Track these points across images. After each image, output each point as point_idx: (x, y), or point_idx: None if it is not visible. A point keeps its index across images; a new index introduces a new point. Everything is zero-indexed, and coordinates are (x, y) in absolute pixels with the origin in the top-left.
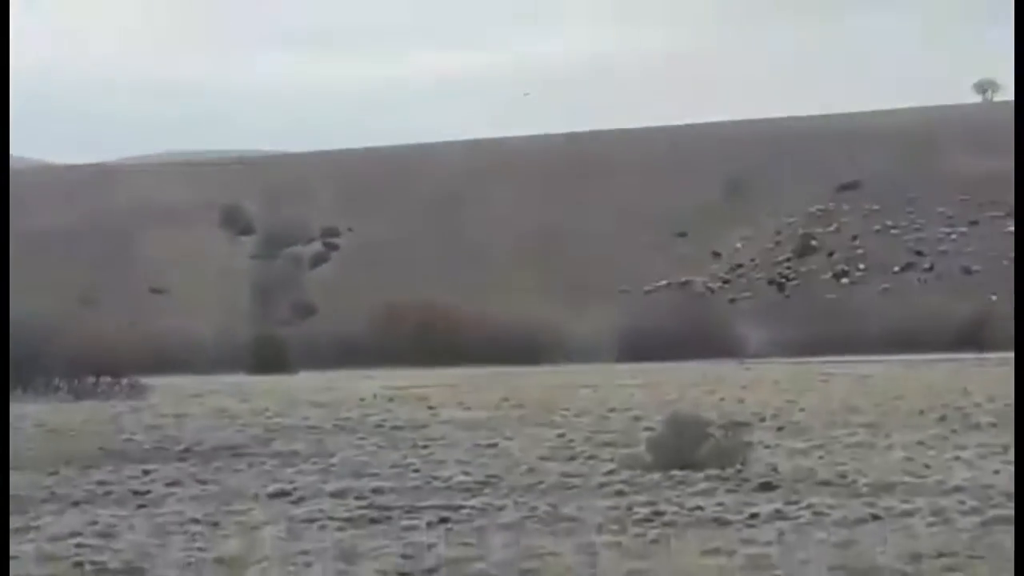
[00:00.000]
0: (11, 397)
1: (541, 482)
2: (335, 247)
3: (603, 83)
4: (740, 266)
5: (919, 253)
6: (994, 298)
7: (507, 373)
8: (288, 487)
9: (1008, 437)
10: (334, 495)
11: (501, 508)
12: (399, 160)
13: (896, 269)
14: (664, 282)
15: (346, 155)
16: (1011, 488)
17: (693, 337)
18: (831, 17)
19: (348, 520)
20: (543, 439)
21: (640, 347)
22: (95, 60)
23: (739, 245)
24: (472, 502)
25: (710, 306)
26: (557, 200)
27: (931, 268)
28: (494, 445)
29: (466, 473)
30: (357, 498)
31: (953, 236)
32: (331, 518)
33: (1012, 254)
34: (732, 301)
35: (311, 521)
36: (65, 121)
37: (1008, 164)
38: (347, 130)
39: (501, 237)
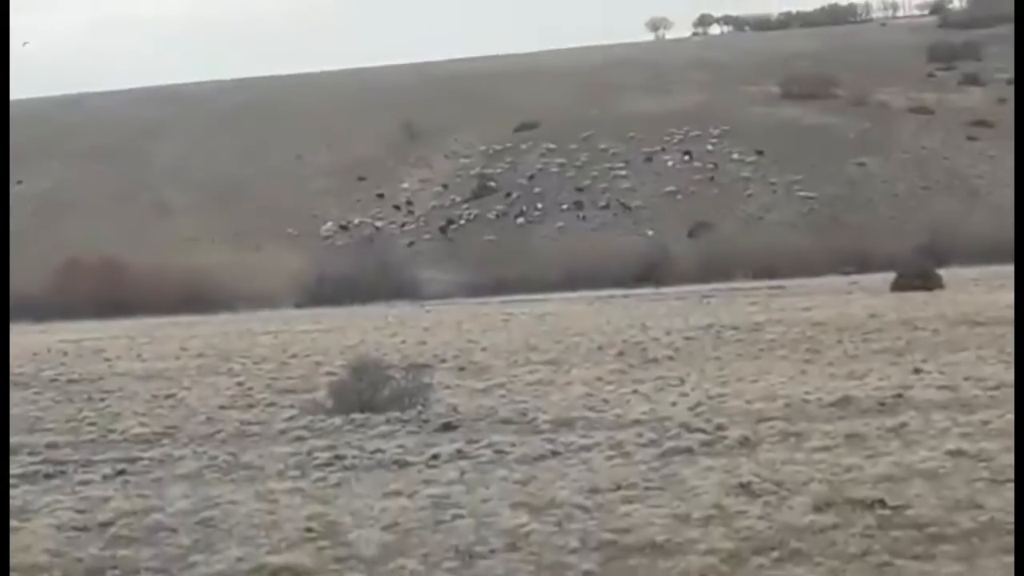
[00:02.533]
0: None
1: (220, 431)
2: None
3: (282, 30)
4: (418, 207)
5: (586, 191)
6: (650, 233)
7: (185, 323)
8: None
9: (685, 369)
10: None
11: (180, 458)
12: (67, 111)
13: (566, 207)
14: (343, 227)
15: (12, 106)
16: (689, 420)
17: (374, 281)
18: None
19: (21, 476)
20: (222, 388)
21: (321, 293)
22: None
23: (417, 187)
24: (150, 453)
25: (390, 249)
26: (233, 148)
27: (607, 206)
28: (172, 395)
29: (143, 425)
30: (31, 454)
31: (624, 173)
32: None
33: (670, 188)
34: (411, 244)
35: None
36: None
37: (676, 102)
38: (14, 82)
39: (175, 187)
